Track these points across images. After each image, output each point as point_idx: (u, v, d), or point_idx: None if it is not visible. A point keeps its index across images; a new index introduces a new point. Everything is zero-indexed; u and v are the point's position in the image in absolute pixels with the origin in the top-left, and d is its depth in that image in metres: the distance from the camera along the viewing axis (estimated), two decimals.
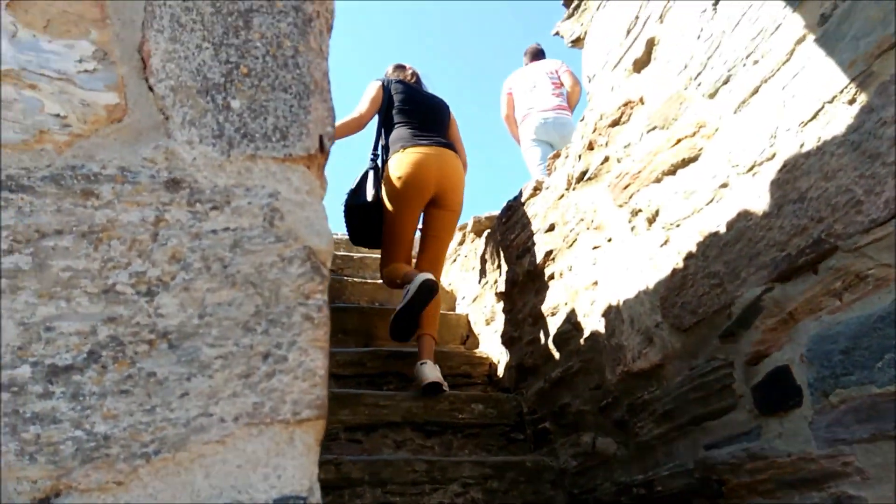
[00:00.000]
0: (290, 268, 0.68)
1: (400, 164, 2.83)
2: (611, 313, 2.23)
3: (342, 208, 2.97)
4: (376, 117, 3.03)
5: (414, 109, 2.97)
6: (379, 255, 3.13)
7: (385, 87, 3.00)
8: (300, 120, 0.74)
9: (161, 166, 0.68)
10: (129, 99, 0.70)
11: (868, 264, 1.35)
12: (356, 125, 2.90)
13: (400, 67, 3.24)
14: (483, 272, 3.51)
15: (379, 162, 3.00)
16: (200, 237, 0.66)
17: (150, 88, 0.71)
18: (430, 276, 2.67)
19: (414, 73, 3.21)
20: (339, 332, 3.14)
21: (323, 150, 0.75)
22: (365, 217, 2.90)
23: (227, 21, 0.75)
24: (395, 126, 2.94)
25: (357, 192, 2.95)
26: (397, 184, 2.82)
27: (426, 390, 2.65)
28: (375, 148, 3.05)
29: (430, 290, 2.63)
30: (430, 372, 2.67)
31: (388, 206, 2.87)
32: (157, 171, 0.68)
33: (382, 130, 3.03)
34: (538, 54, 4.64)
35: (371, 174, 2.95)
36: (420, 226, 3.05)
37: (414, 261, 3.09)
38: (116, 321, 0.62)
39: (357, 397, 2.60)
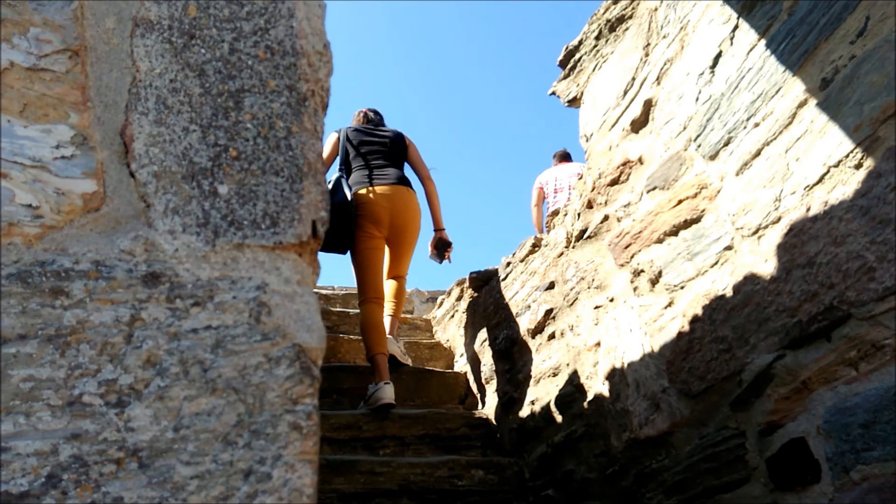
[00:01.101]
0: (276, 369, 0.61)
1: (356, 201, 3.10)
2: (615, 376, 2.15)
3: None
4: (336, 161, 3.28)
5: (367, 153, 3.26)
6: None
7: (341, 138, 3.28)
8: (292, 205, 0.69)
9: (139, 259, 0.62)
10: (109, 186, 0.65)
11: (884, 333, 1.30)
12: None
13: (357, 113, 3.52)
14: (482, 330, 3.43)
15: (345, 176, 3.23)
16: (179, 338, 0.60)
17: (132, 174, 0.66)
18: (390, 399, 2.82)
19: (366, 115, 3.47)
20: (334, 393, 3.05)
21: (316, 236, 0.70)
22: (339, 216, 3.00)
23: (216, 102, 0.70)
24: (353, 170, 3.24)
25: (334, 192, 3.11)
26: (356, 220, 3.06)
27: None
28: (340, 166, 3.25)
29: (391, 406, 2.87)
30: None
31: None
32: (135, 265, 0.62)
33: (343, 169, 3.27)
34: (565, 157, 5.00)
35: (342, 181, 3.13)
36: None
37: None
38: (81, 438, 0.55)
39: (352, 464, 2.48)
